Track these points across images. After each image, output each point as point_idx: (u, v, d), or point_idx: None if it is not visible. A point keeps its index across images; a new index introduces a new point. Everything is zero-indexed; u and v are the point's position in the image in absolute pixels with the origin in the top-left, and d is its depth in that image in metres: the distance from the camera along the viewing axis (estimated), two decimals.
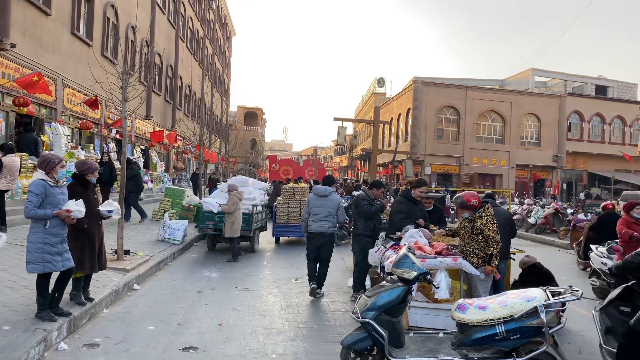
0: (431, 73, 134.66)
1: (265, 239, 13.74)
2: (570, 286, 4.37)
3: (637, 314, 4.07)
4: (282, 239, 13.71)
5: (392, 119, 41.66)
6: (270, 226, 13.66)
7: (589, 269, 9.30)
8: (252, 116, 69.28)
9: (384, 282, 4.77)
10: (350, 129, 52.89)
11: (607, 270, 7.59)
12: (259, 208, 12.19)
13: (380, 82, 52.01)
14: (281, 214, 13.08)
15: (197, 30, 33.34)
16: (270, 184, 22.49)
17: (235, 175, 18.52)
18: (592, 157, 38.58)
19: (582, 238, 10.68)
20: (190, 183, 18.91)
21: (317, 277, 7.65)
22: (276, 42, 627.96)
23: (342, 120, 19.99)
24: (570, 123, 38.78)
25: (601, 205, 10.68)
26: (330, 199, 7.67)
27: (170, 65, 27.08)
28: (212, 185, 20.61)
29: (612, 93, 44.58)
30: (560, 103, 38.16)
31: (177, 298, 7.25)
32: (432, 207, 8.09)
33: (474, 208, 5.68)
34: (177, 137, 26.51)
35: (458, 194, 5.97)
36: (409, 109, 36.84)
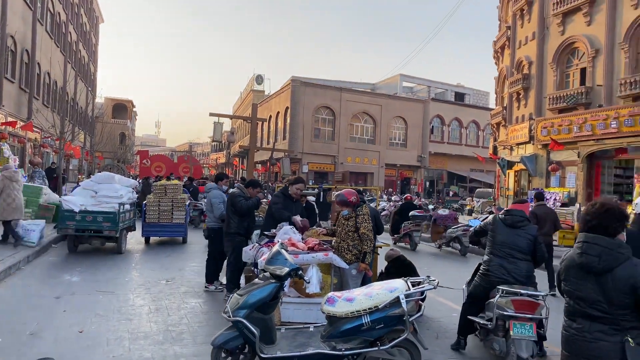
0: (309, 74, 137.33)
1: (134, 240, 13.00)
2: (428, 276, 4.72)
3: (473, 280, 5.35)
4: (152, 239, 13.07)
5: (270, 116, 41.81)
6: (139, 226, 12.94)
7: (398, 243, 14.11)
8: (121, 108, 65.03)
9: (256, 279, 4.75)
10: (227, 125, 52.01)
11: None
12: (127, 207, 11.48)
13: (259, 79, 51.94)
14: (151, 212, 12.46)
15: (59, 13, 30.45)
16: (139, 181, 21.33)
17: (100, 172, 17.24)
18: (452, 157, 42.27)
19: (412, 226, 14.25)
20: (46, 180, 17.23)
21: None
22: (150, 32, 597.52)
23: (219, 116, 19.62)
24: (432, 126, 42.10)
25: (403, 197, 12.44)
26: (209, 195, 7.96)
27: (26, 50, 24.39)
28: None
29: (469, 100, 49.22)
30: (424, 107, 41.26)
31: (30, 306, 6.55)
32: (304, 205, 8.41)
33: (352, 205, 5.92)
34: (34, 129, 23.99)
35: (339, 192, 6.16)
36: (287, 108, 37.29)
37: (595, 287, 2.83)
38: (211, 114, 21.22)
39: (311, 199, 11.11)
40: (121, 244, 11.06)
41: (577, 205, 15.03)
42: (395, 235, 14.56)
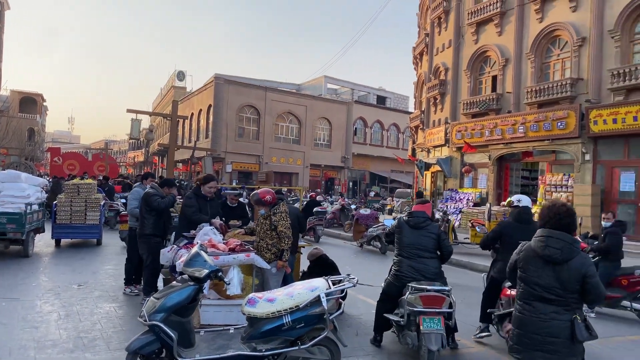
0: (233, 71, 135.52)
1: (43, 242, 12.19)
2: (349, 274, 4.82)
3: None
4: (63, 241, 12.33)
5: (192, 114, 40.80)
6: (49, 227, 12.14)
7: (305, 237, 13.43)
8: (30, 102, 60.63)
9: (174, 282, 4.63)
10: (146, 122, 50.11)
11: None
12: (35, 207, 10.75)
13: (180, 75, 50.54)
14: (63, 213, 11.74)
15: None
16: (50, 179, 20.03)
17: (5, 170, 16.01)
18: (374, 159, 43.41)
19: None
20: None
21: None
22: (66, 25, 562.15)
23: (137, 112, 18.86)
24: (356, 128, 43.02)
25: (309, 195, 12.90)
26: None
27: None
28: None
29: (390, 103, 50.78)
30: (348, 109, 42.07)
31: None
32: (236, 204, 8.33)
33: (268, 204, 5.91)
34: None
35: (255, 192, 6.13)
36: (210, 106, 36.54)
37: (553, 275, 3.37)
38: (129, 110, 20.31)
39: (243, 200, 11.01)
40: (28, 246, 10.34)
41: (488, 204, 15.95)
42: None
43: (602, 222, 8.11)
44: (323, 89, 47.03)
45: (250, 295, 4.55)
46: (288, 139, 39.11)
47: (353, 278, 4.67)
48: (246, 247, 5.82)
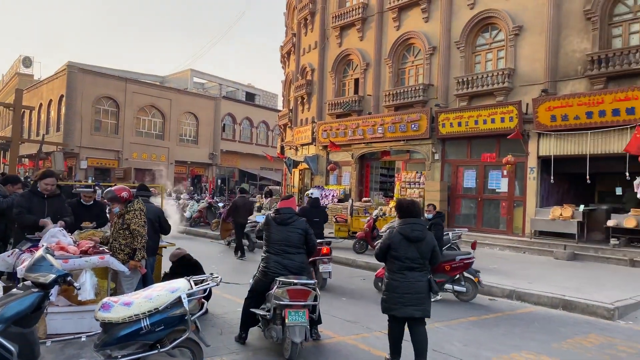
0: (89, 60, 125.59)
1: None
2: (212, 274, 4.75)
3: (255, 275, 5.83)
4: None
5: (41, 104, 37.02)
6: None
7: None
8: None
9: (14, 289, 4.17)
10: None
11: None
12: None
13: (27, 61, 45.52)
14: None
15: None
16: None
17: None
18: (243, 156, 43.15)
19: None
20: None
21: None
22: None
23: None
24: (224, 124, 42.40)
25: (237, 195, 13.65)
26: None
27: None
28: None
29: (259, 100, 50.86)
30: (215, 105, 41.28)
31: None
32: (92, 202, 7.50)
33: (124, 201, 5.59)
34: None
35: (109, 189, 5.76)
36: (61, 96, 33.40)
37: (416, 249, 4.94)
38: None
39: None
40: None
41: (350, 200, 16.76)
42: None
43: (425, 215, 9.32)
44: (189, 83, 45.55)
45: (105, 299, 4.27)
46: (151, 134, 37.23)
47: (216, 277, 4.61)
48: (100, 248, 5.45)
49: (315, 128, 21.63)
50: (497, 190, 15.56)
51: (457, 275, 8.25)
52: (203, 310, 4.44)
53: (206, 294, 4.71)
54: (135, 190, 6.61)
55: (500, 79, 15.00)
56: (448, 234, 11.14)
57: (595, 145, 13.03)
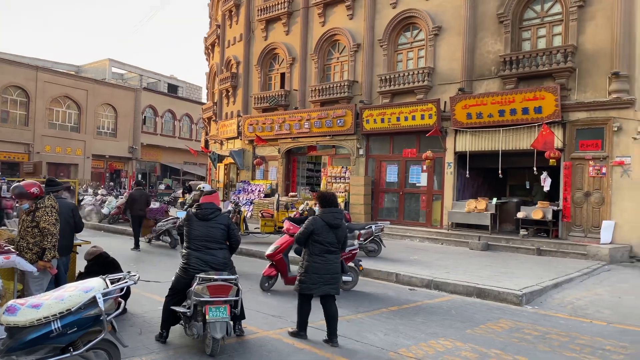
0: None
1: None
2: (129, 272, 4.58)
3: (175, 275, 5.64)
4: None
5: None
6: None
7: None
8: None
9: None
10: None
11: None
12: None
13: None
14: None
15: None
16: None
17: None
18: (165, 150, 41.75)
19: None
20: None
21: None
22: None
23: None
24: (145, 117, 40.78)
25: (134, 188, 13.75)
26: None
27: None
28: None
29: (182, 92, 49.36)
30: (136, 96, 39.59)
31: None
32: None
33: (34, 197, 5.25)
34: None
35: (17, 184, 5.39)
36: None
37: (334, 235, 5.67)
38: None
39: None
40: None
41: (277, 195, 16.73)
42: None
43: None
44: (107, 73, 43.33)
45: (10, 302, 3.99)
46: (65, 126, 35.07)
47: (134, 275, 4.45)
48: (5, 248, 5.08)
49: (241, 122, 21.37)
50: (417, 185, 16.18)
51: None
52: (120, 309, 4.27)
53: (123, 292, 4.54)
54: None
55: (421, 77, 15.57)
56: (371, 226, 11.44)
57: (507, 141, 13.87)
